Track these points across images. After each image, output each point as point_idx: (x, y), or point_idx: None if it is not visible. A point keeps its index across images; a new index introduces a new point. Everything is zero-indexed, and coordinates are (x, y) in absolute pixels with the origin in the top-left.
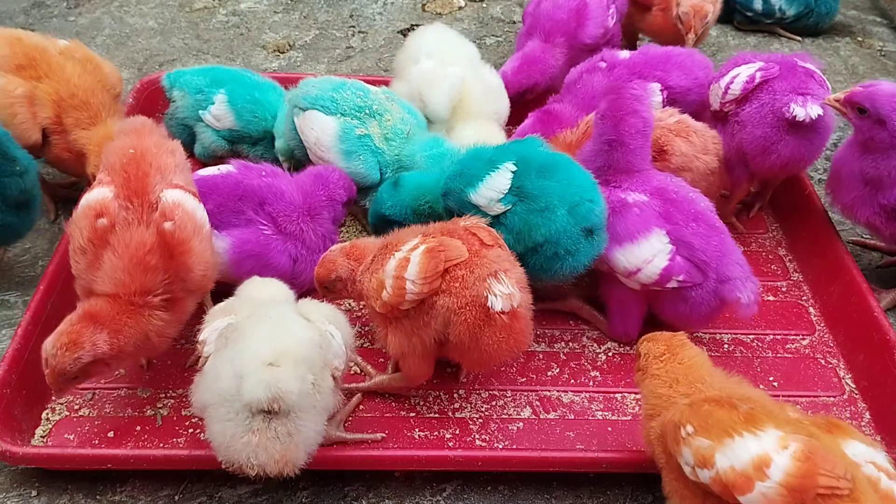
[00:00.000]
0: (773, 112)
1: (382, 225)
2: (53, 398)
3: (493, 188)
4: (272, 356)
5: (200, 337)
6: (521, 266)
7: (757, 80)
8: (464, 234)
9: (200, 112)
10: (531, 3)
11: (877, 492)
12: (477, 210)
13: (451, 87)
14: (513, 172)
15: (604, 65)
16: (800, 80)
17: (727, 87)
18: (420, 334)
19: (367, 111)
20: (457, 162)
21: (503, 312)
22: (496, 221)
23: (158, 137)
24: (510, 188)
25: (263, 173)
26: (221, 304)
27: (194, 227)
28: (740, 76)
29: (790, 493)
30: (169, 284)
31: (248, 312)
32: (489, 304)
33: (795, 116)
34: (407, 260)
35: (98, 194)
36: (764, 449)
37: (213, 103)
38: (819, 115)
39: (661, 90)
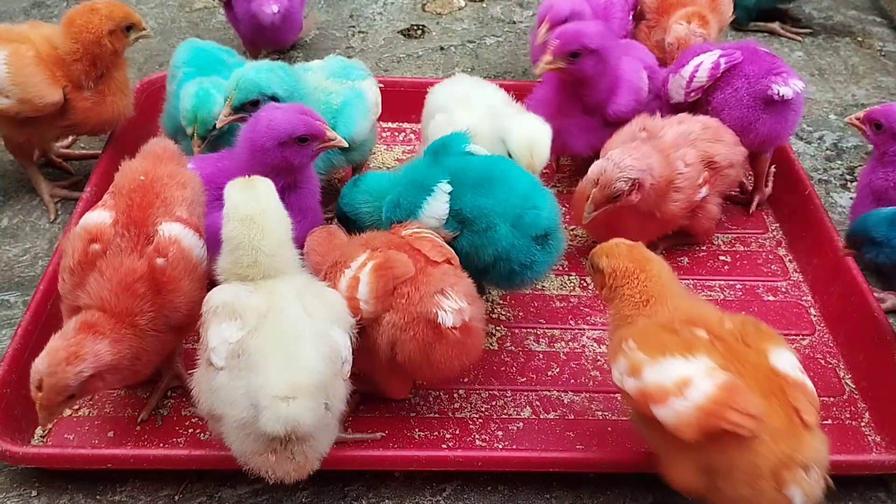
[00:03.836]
0: (749, 95)
1: (344, 220)
2: None
3: (432, 215)
4: (287, 390)
5: (209, 341)
6: (483, 279)
7: (723, 67)
8: (409, 251)
9: (170, 83)
10: (545, 4)
11: (804, 393)
12: None
13: None
14: (449, 194)
15: None
16: (767, 61)
17: (692, 77)
18: (376, 351)
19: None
20: (395, 189)
21: (455, 328)
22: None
23: (175, 167)
24: (450, 212)
25: (218, 160)
26: (224, 308)
27: (187, 266)
28: (704, 64)
29: (702, 414)
30: (153, 317)
31: (253, 323)
32: (440, 319)
33: (782, 95)
34: (357, 279)
35: (97, 217)
36: (691, 372)
37: (176, 78)
38: (802, 90)
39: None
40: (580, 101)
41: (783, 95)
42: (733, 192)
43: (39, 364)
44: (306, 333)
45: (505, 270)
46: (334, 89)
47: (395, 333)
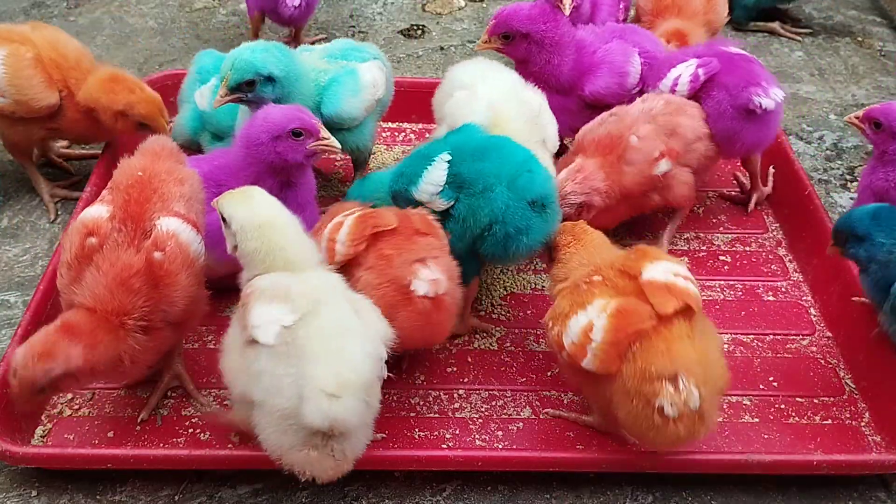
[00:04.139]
0: (732, 107)
1: None
2: (53, 398)
3: (430, 182)
4: (334, 386)
5: (252, 320)
6: (477, 253)
7: (702, 79)
8: (401, 216)
9: (197, 87)
10: None
11: (668, 290)
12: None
13: (480, 111)
14: (448, 163)
15: None
16: (744, 69)
17: (672, 90)
18: None
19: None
20: (400, 163)
21: (426, 297)
22: (445, 214)
23: (173, 163)
24: (447, 178)
25: (214, 158)
26: (274, 290)
27: (185, 260)
28: (682, 77)
29: (610, 345)
30: (149, 313)
31: (305, 308)
32: (413, 287)
33: (765, 108)
34: (341, 224)
35: (94, 212)
36: (589, 318)
37: (206, 83)
38: (783, 98)
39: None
40: (543, 82)
41: (766, 108)
42: (733, 193)
43: (17, 355)
44: (358, 331)
45: (500, 235)
46: (324, 68)
47: (368, 292)
